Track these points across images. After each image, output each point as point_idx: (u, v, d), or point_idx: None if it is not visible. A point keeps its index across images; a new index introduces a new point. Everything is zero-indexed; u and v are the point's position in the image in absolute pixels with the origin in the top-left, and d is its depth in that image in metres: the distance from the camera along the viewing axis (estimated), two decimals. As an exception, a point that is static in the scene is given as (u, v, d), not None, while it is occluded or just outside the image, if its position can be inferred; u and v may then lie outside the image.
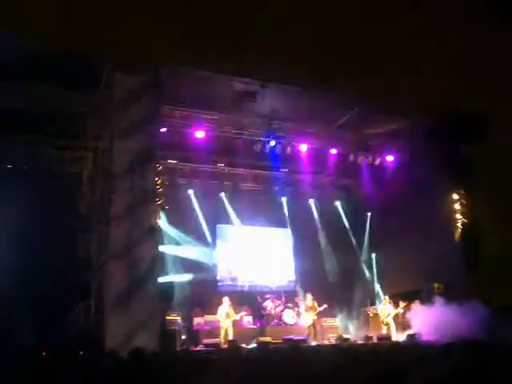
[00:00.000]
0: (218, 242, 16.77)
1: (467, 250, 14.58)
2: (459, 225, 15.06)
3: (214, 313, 13.58)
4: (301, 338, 13.02)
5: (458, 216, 15.12)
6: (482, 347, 4.93)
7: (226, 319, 13.03)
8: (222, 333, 12.86)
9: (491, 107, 11.76)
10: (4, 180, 12.63)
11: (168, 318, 12.69)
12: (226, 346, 12.33)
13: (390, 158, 15.29)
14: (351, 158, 14.93)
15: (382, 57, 9.61)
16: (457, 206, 15.20)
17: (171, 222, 14.81)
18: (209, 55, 10.12)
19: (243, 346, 12.09)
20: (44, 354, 9.92)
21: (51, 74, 10.97)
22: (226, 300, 13.40)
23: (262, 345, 12.07)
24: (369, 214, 17.67)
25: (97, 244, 12.28)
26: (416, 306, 13.78)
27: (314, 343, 13.14)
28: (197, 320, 14.09)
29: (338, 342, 13.15)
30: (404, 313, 14.18)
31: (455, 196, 15.29)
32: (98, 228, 11.97)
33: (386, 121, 14.31)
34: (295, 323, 15.06)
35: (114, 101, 11.21)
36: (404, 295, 14.44)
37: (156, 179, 11.87)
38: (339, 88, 11.44)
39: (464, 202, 15.13)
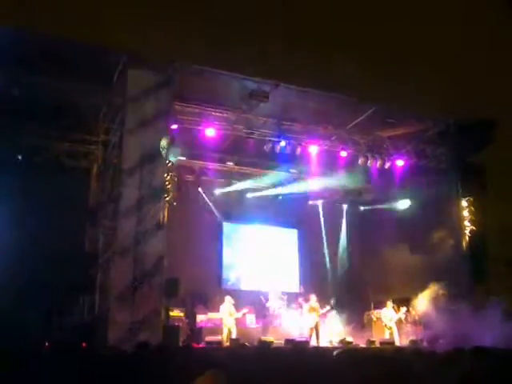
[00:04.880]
0: (224, 240, 16.79)
1: (475, 258, 14.51)
2: (467, 232, 14.97)
3: (217, 310, 13.60)
4: (303, 339, 12.99)
5: (467, 223, 15.03)
6: (488, 354, 4.91)
7: (228, 317, 13.04)
8: (225, 331, 12.87)
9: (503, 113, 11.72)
10: (14, 172, 12.71)
11: (172, 314, 12.73)
12: (227, 343, 12.34)
13: (400, 163, 15.21)
14: (361, 161, 14.86)
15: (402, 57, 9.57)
16: (465, 213, 15.12)
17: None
18: (222, 54, 10.14)
19: (246, 344, 12.10)
20: (47, 345, 9.98)
21: (65, 69, 11.04)
22: (228, 299, 13.41)
23: (263, 344, 12.06)
24: (377, 218, 17.62)
25: (104, 238, 12.34)
26: (422, 312, 13.72)
27: (315, 345, 13.11)
28: (200, 317, 14.12)
29: (340, 345, 13.11)
30: (406, 318, 14.13)
31: (464, 203, 15.19)
32: (105, 223, 12.02)
33: (398, 124, 14.25)
34: (298, 324, 15.03)
35: (126, 96, 11.26)
36: (409, 300, 14.37)
37: (165, 175, 11.89)
38: (355, 90, 11.41)
39: (473, 209, 15.04)
